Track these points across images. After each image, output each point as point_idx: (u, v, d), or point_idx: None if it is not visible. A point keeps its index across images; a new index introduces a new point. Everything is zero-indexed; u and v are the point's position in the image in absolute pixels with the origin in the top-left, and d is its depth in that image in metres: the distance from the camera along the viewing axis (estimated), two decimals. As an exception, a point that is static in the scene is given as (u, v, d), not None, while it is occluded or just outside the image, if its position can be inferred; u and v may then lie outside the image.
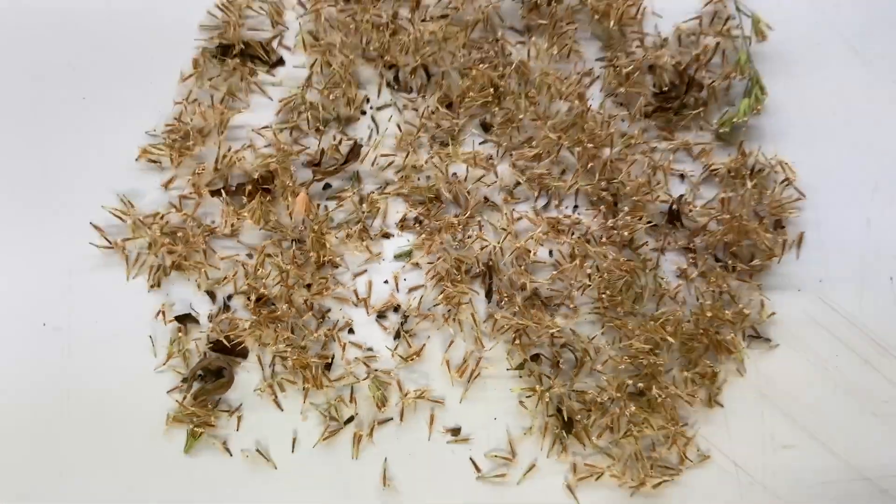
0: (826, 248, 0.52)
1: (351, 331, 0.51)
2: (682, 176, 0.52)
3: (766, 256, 0.51)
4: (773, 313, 0.51)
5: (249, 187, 0.50)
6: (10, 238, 0.50)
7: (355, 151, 0.51)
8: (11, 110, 0.50)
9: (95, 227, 0.50)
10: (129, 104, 0.51)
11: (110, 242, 0.50)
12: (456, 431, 0.51)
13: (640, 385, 0.50)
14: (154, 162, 0.51)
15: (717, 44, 0.52)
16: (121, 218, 0.50)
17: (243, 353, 0.50)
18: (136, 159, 0.51)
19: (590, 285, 0.50)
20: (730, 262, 0.51)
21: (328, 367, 0.50)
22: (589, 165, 0.51)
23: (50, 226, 0.50)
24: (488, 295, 0.51)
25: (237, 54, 0.51)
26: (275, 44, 0.52)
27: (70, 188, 0.50)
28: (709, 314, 0.50)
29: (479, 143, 0.52)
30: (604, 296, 0.50)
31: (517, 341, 0.50)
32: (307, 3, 0.51)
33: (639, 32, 0.52)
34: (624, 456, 0.51)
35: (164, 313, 0.50)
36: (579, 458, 0.51)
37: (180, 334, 0.50)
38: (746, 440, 0.51)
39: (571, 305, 0.51)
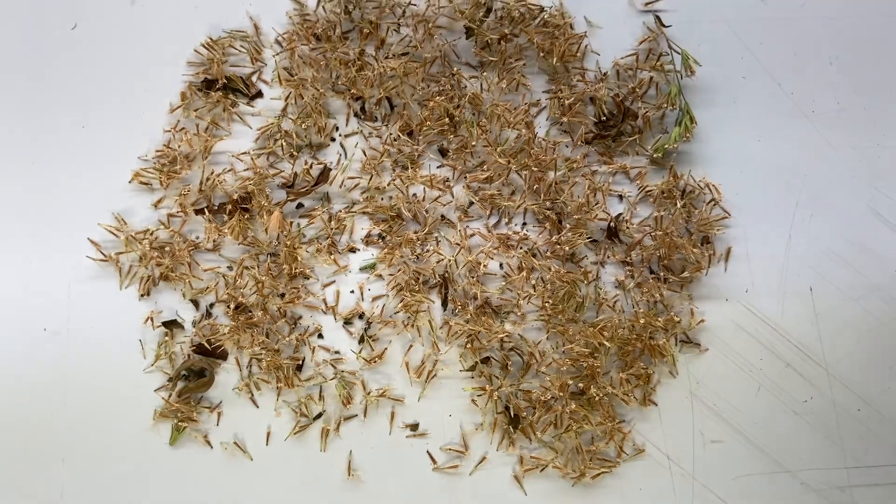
0: (751, 261, 0.56)
1: (320, 336, 0.55)
2: (619, 196, 0.56)
3: (695, 269, 0.55)
4: (703, 320, 0.56)
5: (230, 206, 0.54)
6: (15, 250, 0.54)
7: (325, 174, 0.56)
8: (19, 136, 0.55)
9: (92, 241, 0.54)
10: (123, 132, 0.55)
11: (105, 256, 0.54)
12: (414, 427, 0.55)
13: (581, 385, 0.54)
14: (145, 184, 0.55)
15: (651, 78, 0.56)
16: (115, 234, 0.54)
17: (223, 356, 0.55)
18: (130, 181, 0.55)
19: (535, 295, 0.55)
20: (663, 274, 0.55)
21: (299, 368, 0.55)
22: (535, 187, 0.55)
23: (51, 240, 0.54)
24: (444, 303, 0.55)
25: (220, 88, 0.55)
26: (254, 78, 0.56)
27: (70, 206, 0.54)
28: (643, 321, 0.54)
29: (437, 167, 0.56)
30: (548, 304, 0.54)
31: (469, 345, 0.54)
32: (283, 42, 0.56)
33: (580, 68, 0.56)
34: (566, 449, 0.55)
35: (152, 319, 0.54)
36: (526, 452, 0.55)
37: (167, 338, 0.54)
38: (678, 435, 0.55)
39: (519, 313, 0.55)
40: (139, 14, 0.56)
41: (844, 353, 0.56)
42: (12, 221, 0.55)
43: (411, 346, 0.55)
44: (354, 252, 0.56)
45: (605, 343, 0.54)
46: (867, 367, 0.56)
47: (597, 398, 0.54)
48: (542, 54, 0.56)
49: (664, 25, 0.57)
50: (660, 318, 0.55)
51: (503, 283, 0.55)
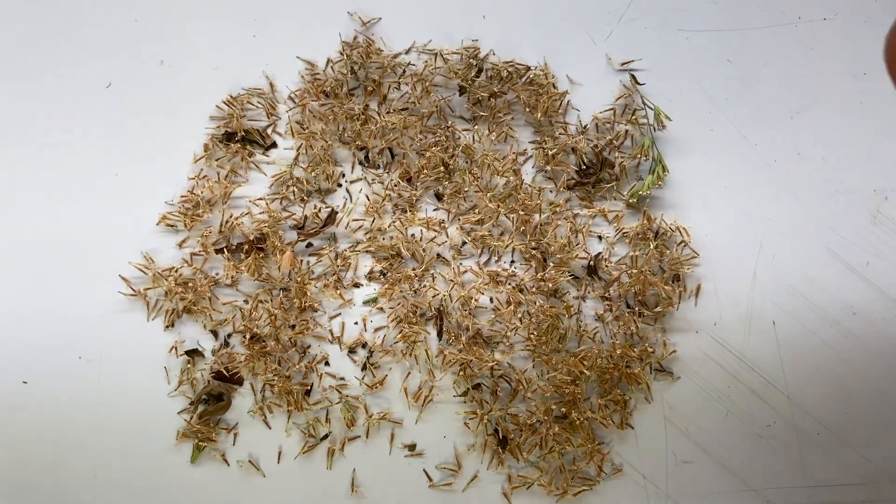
0: (719, 297, 0.61)
1: (327, 363, 0.60)
2: (599, 237, 0.61)
3: (667, 304, 0.60)
4: (675, 351, 0.61)
5: (246, 246, 0.60)
6: (54, 285, 0.60)
7: (332, 217, 0.62)
8: (59, 182, 0.61)
9: (123, 278, 0.60)
10: (152, 179, 0.61)
11: (135, 291, 0.60)
12: (412, 447, 0.60)
13: (564, 410, 0.59)
14: (171, 226, 0.61)
15: (627, 130, 0.62)
16: (143, 271, 0.60)
17: (239, 381, 0.60)
18: (157, 223, 0.60)
19: (522, 327, 0.60)
20: (638, 308, 0.60)
21: (308, 393, 0.60)
22: (522, 228, 0.61)
23: (87, 276, 0.60)
24: (439, 334, 0.60)
25: (239, 139, 0.61)
26: (269, 131, 0.62)
27: (103, 246, 0.60)
28: (620, 351, 0.59)
29: (433, 210, 0.61)
30: (533, 335, 0.59)
31: (462, 373, 0.60)
32: (296, 99, 0.62)
33: (563, 121, 0.62)
34: (550, 469, 0.60)
35: (176, 348, 0.60)
36: (514, 470, 0.60)
37: (189, 365, 0.60)
38: (653, 456, 0.60)
39: (507, 343, 0.60)
40: (167, 74, 0.62)
41: (805, 381, 0.61)
42: (51, 259, 0.60)
43: (409, 373, 0.60)
44: (358, 287, 0.61)
45: (586, 371, 0.59)
46: (826, 395, 0.61)
47: (578, 422, 0.59)
48: (528, 109, 0.62)
49: (639, 83, 0.63)
50: (635, 349, 0.60)
51: (493, 316, 0.60)
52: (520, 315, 0.60)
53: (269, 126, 0.62)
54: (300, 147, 0.62)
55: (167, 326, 0.60)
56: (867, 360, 0.61)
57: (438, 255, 0.61)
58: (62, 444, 0.59)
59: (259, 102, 0.62)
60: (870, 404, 0.61)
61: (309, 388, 0.60)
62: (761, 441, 0.61)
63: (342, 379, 0.60)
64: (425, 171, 0.61)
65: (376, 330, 0.61)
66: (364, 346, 0.61)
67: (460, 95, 0.62)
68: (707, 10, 0.64)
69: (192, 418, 0.60)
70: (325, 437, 0.60)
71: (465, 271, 0.61)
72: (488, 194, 0.61)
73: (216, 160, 0.62)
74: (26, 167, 0.61)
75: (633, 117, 0.62)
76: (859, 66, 0.64)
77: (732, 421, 0.61)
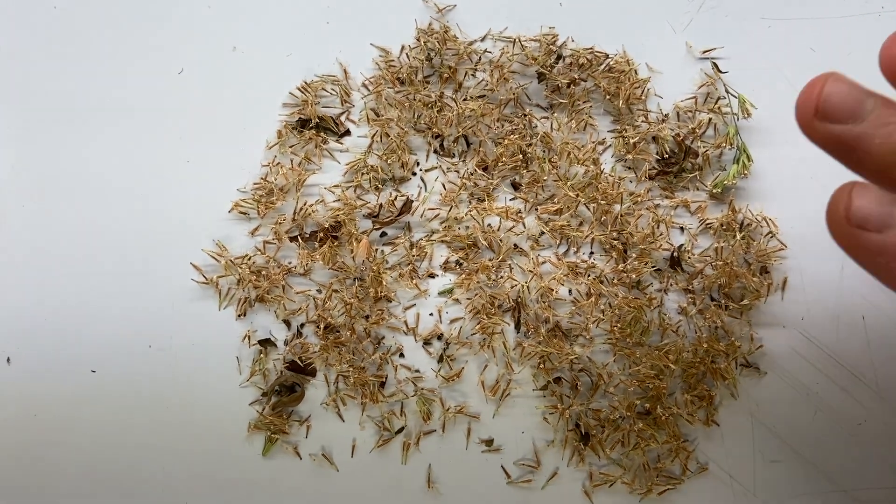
0: (807, 290, 0.60)
1: (402, 355, 0.59)
2: (681, 228, 0.60)
3: (754, 297, 0.59)
4: (761, 346, 0.59)
5: (320, 234, 0.59)
6: (126, 275, 0.59)
7: (407, 206, 0.60)
8: (132, 170, 0.60)
9: (195, 266, 0.59)
10: (224, 167, 0.60)
11: (207, 279, 0.59)
12: (489, 442, 0.59)
13: (647, 405, 0.58)
14: (244, 213, 0.60)
15: (710, 119, 0.60)
16: (216, 259, 0.59)
17: (312, 373, 0.59)
18: (229, 211, 0.60)
19: (603, 319, 0.58)
20: (723, 301, 0.59)
21: (382, 385, 0.59)
22: (602, 219, 0.60)
23: (158, 265, 0.59)
24: (517, 326, 0.59)
25: (313, 127, 0.60)
26: (343, 118, 0.61)
27: (175, 234, 0.59)
28: (705, 345, 0.58)
29: (510, 200, 0.60)
30: (615, 328, 0.58)
31: (541, 366, 0.58)
32: (370, 86, 0.61)
33: (644, 110, 0.61)
34: (633, 466, 0.58)
35: (248, 338, 0.59)
36: (595, 468, 0.58)
37: (261, 356, 0.59)
38: (739, 455, 0.58)
39: (588, 336, 0.59)
40: (239, 60, 0.62)
41: (896, 378, 0.59)
42: (122, 247, 0.60)
43: (486, 365, 0.59)
44: (433, 277, 0.60)
45: (670, 365, 0.57)
46: (919, 393, 0.59)
47: (662, 418, 0.57)
48: (607, 97, 0.61)
49: (721, 72, 0.61)
50: (721, 343, 0.58)
51: (573, 308, 0.59)
52: (601, 307, 0.59)
53: (342, 113, 0.61)
54: (374, 135, 0.61)
55: (239, 315, 0.59)
56: (960, 358, 0.59)
57: (516, 245, 0.60)
58: (130, 435, 0.58)
59: (333, 89, 0.61)
60: (963, 404, 0.59)
61: (384, 379, 0.59)
62: (851, 440, 0.58)
63: (417, 371, 0.59)
64: (502, 159, 0.60)
65: (452, 321, 0.59)
66: (440, 337, 0.59)
67: (538, 83, 0.61)
68: (789, -1, 0.63)
69: (264, 410, 0.58)
70: (400, 430, 0.58)
71: (544, 262, 0.60)
72: (567, 184, 0.60)
73: (290, 147, 0.61)
74: (99, 155, 0.60)
75: (716, 106, 0.61)
76: (947, 55, 0.62)
77: (821, 419, 0.59)
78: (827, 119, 0.42)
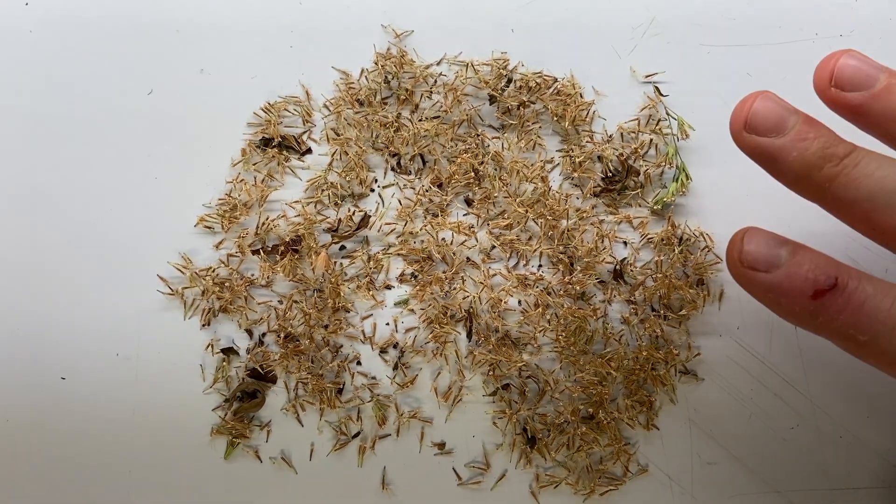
0: (742, 302, 0.62)
1: (359, 363, 0.62)
2: (624, 243, 0.63)
3: (691, 307, 0.62)
4: (699, 354, 0.62)
5: (282, 248, 0.62)
6: (93, 285, 0.61)
7: (365, 221, 0.63)
8: (100, 185, 0.63)
9: (161, 278, 0.62)
10: (190, 183, 0.62)
11: (172, 290, 0.62)
12: (441, 446, 0.62)
13: (591, 410, 0.61)
14: (208, 227, 0.62)
15: (651, 140, 0.64)
16: (181, 271, 0.62)
17: (273, 380, 0.62)
18: (195, 225, 0.62)
19: (550, 329, 0.61)
20: (663, 311, 0.62)
21: (340, 391, 0.61)
22: (550, 233, 0.62)
23: (125, 276, 0.62)
24: (469, 335, 0.62)
25: (275, 145, 0.63)
26: (305, 137, 0.64)
27: (142, 247, 0.62)
28: (646, 353, 0.61)
29: (463, 215, 0.63)
30: (561, 337, 0.61)
31: (491, 373, 0.61)
32: (330, 107, 0.64)
33: (589, 131, 0.64)
34: (577, 468, 0.61)
35: (212, 346, 0.61)
36: (541, 470, 0.61)
37: (224, 363, 0.61)
38: (678, 457, 0.61)
39: (535, 345, 0.61)
40: (206, 82, 0.65)
41: (827, 385, 0.62)
42: (91, 259, 0.62)
43: (439, 372, 0.62)
44: (390, 289, 0.63)
45: (612, 372, 0.60)
46: (848, 399, 0.62)
47: (605, 422, 0.60)
48: (555, 118, 0.64)
49: (662, 95, 0.65)
50: (661, 351, 0.61)
51: (521, 318, 0.62)
52: (548, 317, 0.62)
53: (304, 133, 0.64)
54: (335, 153, 0.64)
55: (203, 325, 0.62)
56: (887, 365, 0.63)
57: (468, 258, 0.63)
58: (98, 439, 0.61)
59: (295, 110, 0.64)
60: (892, 409, 0.62)
61: (341, 386, 0.61)
62: (785, 444, 0.62)
63: (373, 378, 0.62)
64: (456, 177, 0.63)
65: (407, 331, 0.62)
66: (395, 346, 0.62)
67: (490, 105, 0.65)
68: (727, 27, 0.66)
69: (226, 415, 0.61)
70: (357, 434, 0.61)
71: (495, 274, 0.63)
72: (517, 200, 0.63)
73: (253, 164, 0.64)
74: (70, 170, 0.63)
75: (657, 127, 0.64)
76: (875, 80, 0.66)
77: (756, 423, 0.62)
78: (754, 131, 0.47)
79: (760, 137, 0.48)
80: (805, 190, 0.48)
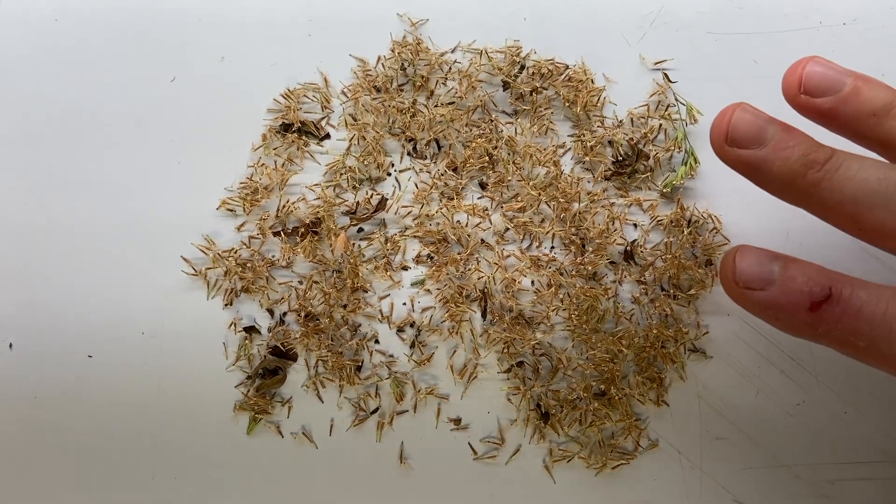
0: (749, 281, 0.65)
1: (377, 341, 0.64)
2: (634, 225, 0.65)
3: (700, 287, 0.64)
4: (707, 332, 0.64)
5: (302, 230, 0.64)
6: (120, 267, 0.63)
7: (382, 203, 0.65)
8: (127, 170, 0.65)
9: (185, 259, 0.64)
10: (213, 167, 0.64)
11: (196, 271, 0.63)
12: (457, 421, 0.64)
13: (602, 387, 0.63)
14: (231, 210, 0.64)
15: (661, 125, 0.65)
16: (204, 252, 0.64)
17: (294, 357, 0.64)
18: (217, 208, 0.64)
19: (562, 308, 0.63)
20: (672, 291, 0.64)
21: (359, 368, 0.63)
22: (562, 216, 0.64)
23: (151, 258, 0.63)
24: (483, 314, 0.64)
25: (295, 130, 0.65)
26: (323, 123, 0.66)
27: (167, 229, 0.64)
28: (655, 332, 0.63)
29: (478, 198, 0.65)
30: (573, 316, 0.63)
31: (506, 351, 0.63)
32: (348, 93, 0.66)
33: (600, 116, 0.66)
34: (590, 443, 0.63)
35: (234, 325, 0.63)
36: (554, 445, 0.63)
37: (246, 342, 0.63)
38: (687, 432, 0.63)
39: (548, 323, 0.63)
40: (227, 69, 0.66)
41: (832, 363, 0.64)
42: (117, 241, 0.64)
43: (455, 351, 0.64)
44: (406, 269, 0.64)
45: (623, 350, 0.62)
46: (852, 376, 0.64)
47: (616, 398, 0.62)
48: (567, 104, 0.66)
49: (671, 81, 0.67)
50: (670, 330, 0.63)
51: (534, 298, 0.64)
52: (560, 297, 0.64)
53: (323, 118, 0.66)
54: (352, 138, 0.65)
55: (226, 305, 0.64)
56: (890, 344, 0.64)
57: (482, 240, 0.65)
58: (124, 415, 0.63)
59: (314, 96, 0.66)
60: (894, 386, 0.64)
61: (360, 364, 0.63)
62: (791, 419, 0.63)
63: (391, 356, 0.64)
64: (470, 161, 0.65)
65: (423, 310, 0.64)
66: (412, 325, 0.64)
67: (503, 91, 0.66)
68: (734, 15, 0.68)
69: (248, 392, 0.63)
70: (375, 410, 0.63)
71: (508, 255, 0.64)
72: (530, 183, 0.64)
73: (273, 149, 0.65)
74: (96, 155, 0.65)
75: (667, 113, 0.66)
76: (877, 67, 0.67)
77: (763, 400, 0.63)
78: (735, 144, 0.48)
79: (742, 150, 0.49)
80: (790, 197, 0.50)
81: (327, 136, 0.66)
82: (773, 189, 0.49)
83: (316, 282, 0.64)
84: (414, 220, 0.65)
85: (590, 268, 0.64)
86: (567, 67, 0.66)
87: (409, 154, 0.66)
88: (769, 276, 0.47)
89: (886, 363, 0.46)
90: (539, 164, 0.65)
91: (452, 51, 0.67)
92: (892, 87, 0.50)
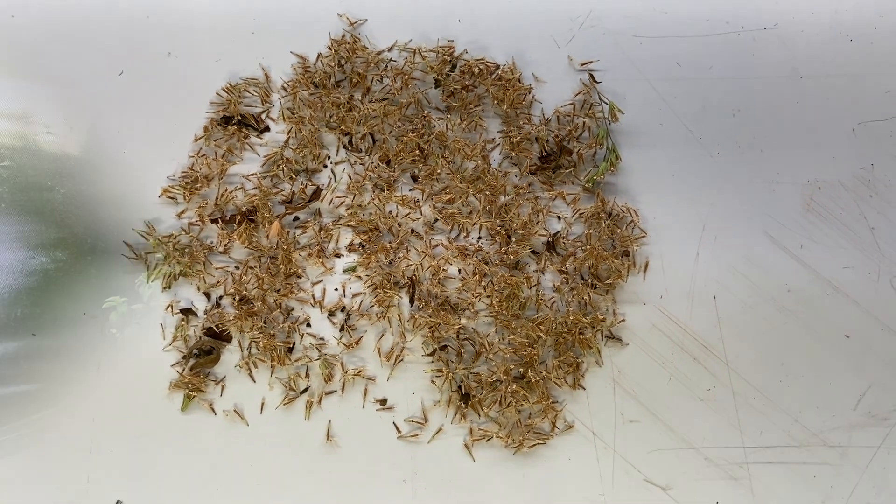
0: (665, 273, 0.67)
1: (308, 324, 0.66)
2: (557, 217, 0.68)
3: (617, 277, 0.67)
4: (623, 320, 0.67)
5: (239, 217, 0.66)
6: (63, 247, 0.66)
7: (317, 193, 0.68)
8: (74, 158, 0.68)
9: (126, 243, 0.66)
10: (156, 156, 0.67)
11: (137, 255, 0.66)
12: (383, 402, 0.66)
13: (521, 370, 0.65)
14: (171, 198, 0.67)
15: (584, 122, 0.68)
16: (145, 237, 0.66)
17: (228, 338, 0.66)
18: (159, 196, 0.67)
19: (486, 295, 0.66)
20: (591, 280, 0.67)
21: (290, 350, 0.66)
22: (488, 208, 0.67)
23: (93, 240, 0.66)
24: (411, 300, 0.67)
25: (235, 123, 0.68)
26: (263, 116, 0.68)
27: (110, 215, 0.66)
28: (574, 318, 0.65)
29: (409, 190, 0.68)
30: (496, 303, 0.66)
31: (431, 335, 0.66)
32: (287, 88, 0.69)
33: (527, 113, 0.68)
34: (508, 423, 0.66)
35: (172, 307, 0.66)
36: (475, 425, 0.66)
37: (183, 323, 0.66)
38: (602, 415, 0.66)
39: (472, 310, 0.66)
40: (173, 64, 0.69)
41: (742, 350, 0.67)
42: (64, 225, 0.67)
43: (383, 334, 0.67)
44: (339, 257, 0.67)
45: (542, 336, 0.65)
46: (762, 363, 0.67)
47: (534, 381, 0.65)
48: (496, 102, 0.69)
49: (596, 81, 0.70)
50: (588, 317, 0.66)
51: (460, 285, 0.67)
52: (484, 284, 0.66)
53: (263, 112, 0.69)
54: (290, 131, 0.68)
55: (165, 287, 0.67)
56: (800, 333, 0.67)
57: (412, 230, 0.68)
58: (66, 391, 0.65)
59: (255, 91, 0.69)
60: (803, 373, 0.67)
61: (291, 346, 0.66)
62: (701, 404, 0.66)
63: (321, 339, 0.67)
64: (402, 154, 0.68)
65: (354, 295, 0.67)
66: (342, 309, 0.67)
67: (435, 88, 0.69)
68: (659, 19, 0.71)
69: (183, 370, 0.65)
70: (305, 390, 0.66)
71: (437, 245, 0.67)
72: (459, 176, 0.67)
73: (214, 141, 0.68)
74: (45, 142, 0.68)
75: (591, 111, 0.69)
76: (795, 69, 0.71)
77: (675, 385, 0.66)
78: None
79: None
80: None
81: (267, 128, 0.69)
82: None
83: (251, 267, 0.67)
84: (347, 209, 0.68)
85: (513, 257, 0.67)
86: (497, 67, 0.69)
87: (344, 147, 0.69)
88: None
89: None
90: (468, 159, 0.68)
91: (389, 49, 0.70)
92: None
